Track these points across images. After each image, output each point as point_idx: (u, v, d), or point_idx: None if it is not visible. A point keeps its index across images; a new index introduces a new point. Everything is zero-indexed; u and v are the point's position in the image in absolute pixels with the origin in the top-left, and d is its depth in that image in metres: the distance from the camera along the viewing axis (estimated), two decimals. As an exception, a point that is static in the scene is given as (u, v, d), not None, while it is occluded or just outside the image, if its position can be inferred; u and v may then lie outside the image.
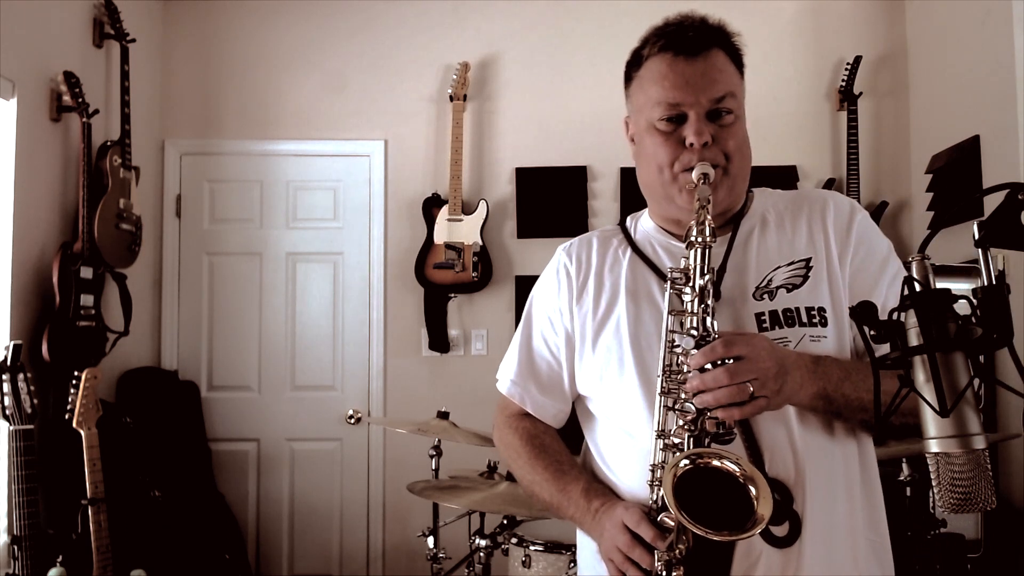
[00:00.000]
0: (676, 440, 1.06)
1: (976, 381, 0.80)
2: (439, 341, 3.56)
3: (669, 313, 1.12)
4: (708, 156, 1.15)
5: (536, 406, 1.34)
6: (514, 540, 2.25)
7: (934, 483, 0.82)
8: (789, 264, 1.19)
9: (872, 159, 3.61)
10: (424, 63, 3.69)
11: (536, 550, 2.21)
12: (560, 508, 1.23)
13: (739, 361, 1.00)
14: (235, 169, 3.69)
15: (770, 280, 1.18)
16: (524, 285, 3.59)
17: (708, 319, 1.07)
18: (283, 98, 3.70)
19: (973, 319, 0.81)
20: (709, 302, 1.08)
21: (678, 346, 1.08)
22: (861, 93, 3.55)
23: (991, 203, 0.85)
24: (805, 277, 1.17)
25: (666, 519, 1.05)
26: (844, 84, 3.55)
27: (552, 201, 3.62)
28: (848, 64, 3.55)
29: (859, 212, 1.23)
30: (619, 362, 1.20)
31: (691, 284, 1.10)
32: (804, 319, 1.14)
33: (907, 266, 0.86)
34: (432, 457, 2.55)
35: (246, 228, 3.68)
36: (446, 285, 3.52)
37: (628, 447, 1.19)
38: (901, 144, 3.62)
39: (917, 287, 0.84)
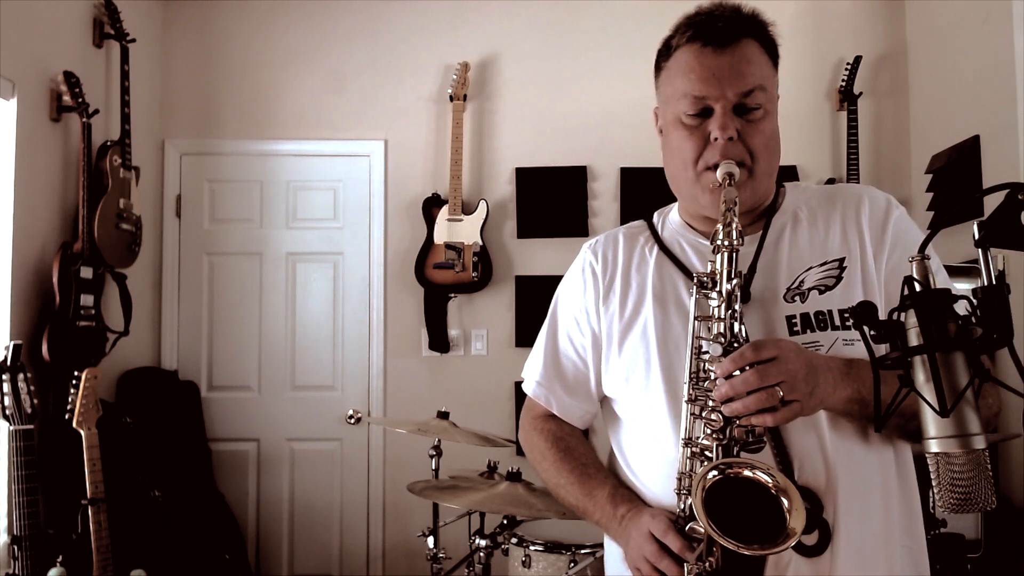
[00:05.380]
0: (704, 449, 1.03)
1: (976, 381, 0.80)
2: (439, 341, 3.56)
3: (696, 319, 1.08)
4: (732, 152, 1.11)
5: (562, 407, 1.32)
6: (514, 540, 2.25)
7: (934, 483, 0.82)
8: (822, 264, 1.14)
9: (872, 159, 3.61)
10: (424, 63, 3.68)
11: (536, 550, 2.21)
12: (586, 512, 1.21)
13: (768, 363, 0.96)
14: (235, 169, 3.69)
15: (802, 281, 1.13)
16: (524, 285, 3.59)
17: (736, 325, 1.04)
18: (283, 98, 3.70)
19: (973, 319, 0.81)
20: (737, 307, 1.04)
21: (706, 352, 1.05)
22: (861, 93, 3.55)
23: (991, 203, 0.85)
24: (838, 278, 1.12)
25: (695, 528, 1.03)
26: (844, 84, 3.55)
27: (552, 201, 3.62)
28: (848, 64, 3.55)
29: (896, 209, 1.18)
30: (645, 366, 1.17)
31: (718, 289, 1.06)
32: (837, 322, 1.10)
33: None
34: (432, 457, 2.55)
35: (246, 228, 3.68)
36: (446, 285, 3.52)
37: (653, 452, 1.17)
38: (901, 144, 3.62)
39: (917, 287, 0.84)
